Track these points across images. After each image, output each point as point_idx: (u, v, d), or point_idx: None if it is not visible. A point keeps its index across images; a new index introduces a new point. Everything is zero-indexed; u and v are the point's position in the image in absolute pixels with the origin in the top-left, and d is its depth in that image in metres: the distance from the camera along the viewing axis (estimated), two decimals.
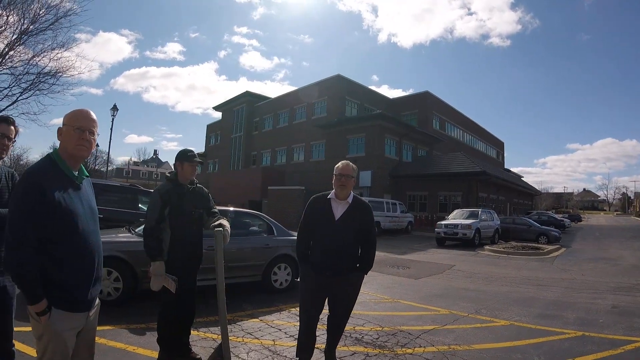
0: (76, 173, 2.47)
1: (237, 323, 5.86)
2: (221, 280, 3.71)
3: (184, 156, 4.23)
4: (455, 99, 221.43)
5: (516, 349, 5.37)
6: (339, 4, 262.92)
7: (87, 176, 2.59)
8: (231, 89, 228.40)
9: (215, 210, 4.44)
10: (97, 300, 2.63)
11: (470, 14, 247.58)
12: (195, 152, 4.39)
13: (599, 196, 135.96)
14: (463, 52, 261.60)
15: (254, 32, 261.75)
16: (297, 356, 4.26)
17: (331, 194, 4.11)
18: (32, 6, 19.07)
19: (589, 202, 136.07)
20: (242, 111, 52.72)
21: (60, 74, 20.26)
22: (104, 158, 59.34)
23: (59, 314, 2.29)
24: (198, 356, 4.36)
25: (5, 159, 3.16)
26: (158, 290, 3.94)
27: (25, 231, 2.18)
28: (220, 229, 3.89)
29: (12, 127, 3.10)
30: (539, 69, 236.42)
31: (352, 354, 4.88)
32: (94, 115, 2.53)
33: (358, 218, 4.06)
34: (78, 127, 2.42)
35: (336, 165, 4.11)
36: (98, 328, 2.70)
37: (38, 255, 2.23)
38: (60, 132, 2.43)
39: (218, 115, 60.68)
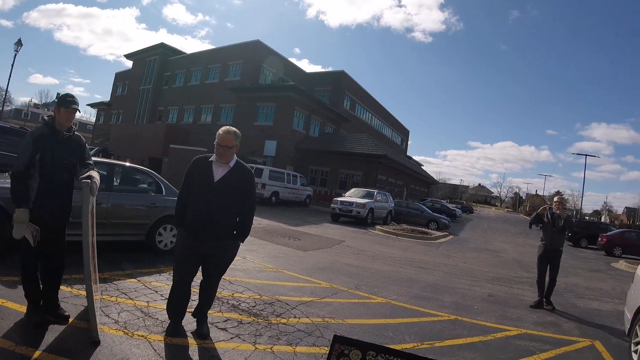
0: None
1: (114, 282, 5.67)
2: (87, 235, 3.58)
3: (62, 101, 3.96)
4: (369, 83, 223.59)
5: (389, 326, 5.59)
6: None
7: None
8: (149, 39, 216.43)
9: (90, 162, 4.21)
10: None
11: (400, 6, 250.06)
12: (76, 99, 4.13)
13: (493, 192, 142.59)
14: (385, 41, 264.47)
15: None
16: (168, 316, 4.24)
17: (213, 157, 4.08)
18: None
19: (483, 196, 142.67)
20: (155, 63, 50.37)
21: None
22: (2, 96, 55.05)
23: None
24: (66, 313, 4.18)
25: None
26: (19, 239, 3.75)
27: None
28: (88, 180, 3.72)
29: None
30: (454, 69, 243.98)
31: (225, 320, 4.89)
32: None
33: (238, 182, 4.07)
34: None
35: (217, 132, 4.07)
36: None
37: None
38: None
39: (130, 64, 57.88)
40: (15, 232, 3.66)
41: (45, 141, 3.87)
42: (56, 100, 4.03)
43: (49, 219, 3.91)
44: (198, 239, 3.98)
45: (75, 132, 4.19)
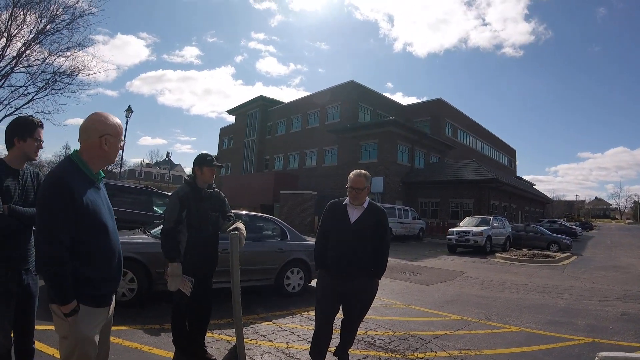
0: (96, 175, 2.55)
1: (251, 326, 5.91)
2: (237, 282, 3.78)
3: (204, 160, 4.33)
4: (468, 107, 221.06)
5: (526, 354, 5.45)
6: (356, 13, 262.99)
7: (103, 177, 2.66)
8: (247, 94, 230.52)
9: (231, 214, 4.54)
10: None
11: (485, 24, 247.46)
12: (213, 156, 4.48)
13: (611, 204, 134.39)
14: (476, 62, 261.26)
15: (270, 39, 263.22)
16: (311, 357, 4.33)
17: (347, 200, 4.20)
18: (50, 6, 19.53)
19: (601, 210, 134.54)
20: (256, 115, 52.89)
21: (76, 73, 20.59)
22: (117, 159, 60.06)
23: (85, 311, 2.34)
24: (213, 357, 4.43)
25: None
26: (174, 291, 4.04)
27: (57, 233, 2.24)
28: (236, 232, 3.95)
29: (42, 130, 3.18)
30: (551, 79, 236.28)
31: (365, 358, 4.95)
32: None
33: (372, 222, 4.13)
34: (120, 140, 2.59)
35: (349, 176, 4.20)
36: (113, 328, 2.78)
37: (70, 255, 2.30)
38: (105, 141, 2.49)
39: (232, 119, 61.03)
40: (171, 284, 3.96)
41: (190, 199, 4.23)
42: (195, 161, 4.37)
43: (197, 269, 4.21)
44: (339, 279, 4.08)
45: (215, 188, 4.53)
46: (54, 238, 2.24)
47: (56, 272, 2.24)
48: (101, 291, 2.46)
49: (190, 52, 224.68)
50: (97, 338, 2.45)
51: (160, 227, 5.03)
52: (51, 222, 2.26)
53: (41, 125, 3.15)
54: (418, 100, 55.66)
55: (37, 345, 3.35)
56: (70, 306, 2.27)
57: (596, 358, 2.52)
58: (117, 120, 2.59)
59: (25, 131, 3.04)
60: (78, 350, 2.34)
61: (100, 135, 2.48)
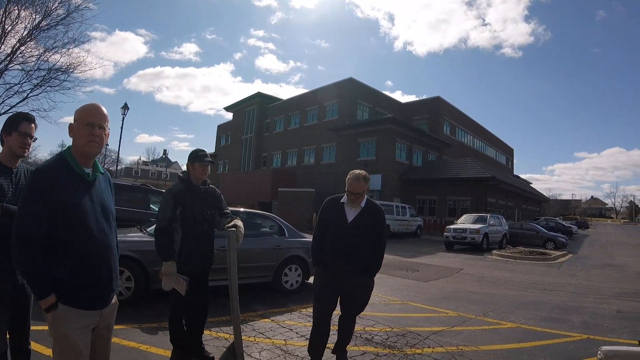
0: (88, 170, 2.43)
1: (249, 323, 5.93)
2: (234, 280, 3.75)
3: (195, 156, 4.27)
4: (466, 105, 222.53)
5: (523, 350, 5.49)
6: (357, 11, 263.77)
7: (101, 173, 2.54)
8: (246, 91, 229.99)
9: (228, 211, 4.46)
10: (115, 299, 2.59)
11: (485, 24, 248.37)
12: (207, 152, 4.44)
13: (607, 204, 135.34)
14: (476, 62, 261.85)
15: (270, 36, 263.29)
16: (309, 353, 4.34)
17: (344, 198, 4.18)
18: (47, 1, 19.28)
19: (597, 209, 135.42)
20: (254, 112, 52.60)
21: (72, 69, 20.35)
22: (113, 157, 59.69)
23: (67, 311, 2.26)
24: (211, 355, 4.42)
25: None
26: (169, 290, 3.99)
27: (30, 229, 2.19)
28: (234, 229, 3.85)
29: (33, 125, 3.09)
30: (549, 80, 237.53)
31: (363, 354, 4.96)
32: (104, 110, 2.47)
33: (370, 221, 4.12)
34: (88, 123, 2.37)
35: (347, 178, 4.12)
36: None
37: (45, 252, 2.24)
38: (71, 128, 2.40)
39: (230, 116, 60.82)
40: (165, 284, 3.91)
41: (184, 196, 4.17)
42: (188, 157, 4.33)
43: (193, 268, 4.18)
44: (335, 276, 4.08)
45: (210, 185, 4.49)
46: (26, 235, 2.19)
47: (28, 267, 2.21)
48: (83, 293, 2.34)
49: (189, 49, 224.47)
50: (81, 340, 2.32)
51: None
52: (24, 218, 2.22)
53: (27, 119, 3.08)
54: (417, 99, 55.62)
55: (33, 345, 3.34)
56: (48, 301, 2.22)
57: (599, 352, 2.52)
58: (89, 105, 2.47)
59: (10, 125, 3.00)
60: (60, 346, 2.28)
61: (70, 124, 2.43)
